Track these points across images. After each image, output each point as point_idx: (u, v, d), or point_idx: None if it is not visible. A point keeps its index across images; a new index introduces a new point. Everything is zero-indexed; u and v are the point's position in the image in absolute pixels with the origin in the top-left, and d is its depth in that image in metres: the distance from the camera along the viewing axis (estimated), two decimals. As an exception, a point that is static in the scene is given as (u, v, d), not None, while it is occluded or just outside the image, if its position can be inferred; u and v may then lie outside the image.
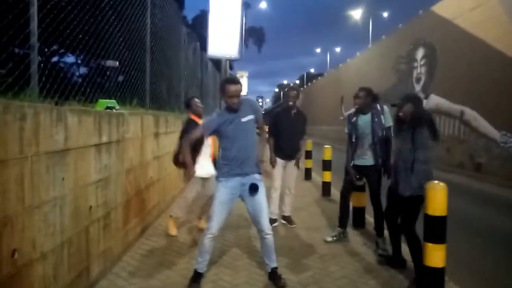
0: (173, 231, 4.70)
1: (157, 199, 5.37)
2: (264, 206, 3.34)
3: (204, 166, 4.50)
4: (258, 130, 3.50)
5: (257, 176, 3.34)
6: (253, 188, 3.26)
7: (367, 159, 4.35)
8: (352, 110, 4.56)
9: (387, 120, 4.31)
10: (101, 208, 3.36)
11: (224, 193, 3.27)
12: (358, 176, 4.47)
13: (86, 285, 3.09)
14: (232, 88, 3.19)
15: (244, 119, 3.27)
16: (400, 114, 3.61)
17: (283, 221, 5.30)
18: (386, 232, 4.28)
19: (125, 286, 3.30)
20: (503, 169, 10.54)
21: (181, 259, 3.94)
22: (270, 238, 3.34)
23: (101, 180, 3.35)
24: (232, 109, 3.26)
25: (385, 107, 4.41)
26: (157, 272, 3.60)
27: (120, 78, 4.94)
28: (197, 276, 3.33)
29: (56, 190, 2.58)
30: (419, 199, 3.37)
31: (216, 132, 3.33)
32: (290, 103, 5.11)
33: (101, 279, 3.36)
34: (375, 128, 4.28)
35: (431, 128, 3.53)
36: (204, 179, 4.65)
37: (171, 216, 4.74)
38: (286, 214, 5.32)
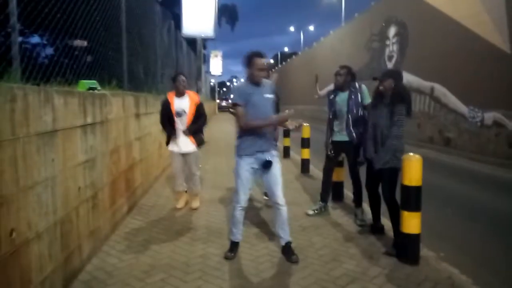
0: (178, 203, 5.09)
1: (141, 179, 5.41)
2: (279, 179, 3.47)
3: (178, 143, 4.82)
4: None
5: (273, 152, 3.49)
6: (266, 165, 3.41)
7: (344, 135, 4.52)
8: (330, 86, 4.70)
9: (366, 98, 4.47)
10: (89, 189, 3.39)
11: (243, 168, 3.44)
12: (332, 152, 4.66)
13: (79, 263, 3.15)
14: (260, 61, 3.31)
15: (266, 95, 3.42)
16: (381, 88, 3.77)
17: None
18: (364, 204, 4.52)
19: (116, 263, 3.38)
20: (471, 143, 11.06)
21: (168, 236, 4.05)
22: (284, 209, 3.49)
23: (88, 161, 3.38)
24: (256, 83, 3.39)
25: (363, 85, 4.56)
26: (146, 249, 3.69)
27: (89, 58, 4.86)
28: (233, 246, 3.58)
29: (47, 171, 2.61)
30: (394, 171, 3.60)
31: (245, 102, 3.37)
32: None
33: (92, 257, 3.43)
34: (351, 105, 4.44)
35: (408, 105, 3.71)
36: (185, 155, 4.87)
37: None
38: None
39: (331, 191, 4.92)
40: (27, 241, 2.35)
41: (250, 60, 3.36)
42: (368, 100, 4.43)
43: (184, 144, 4.82)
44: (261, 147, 3.41)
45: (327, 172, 4.80)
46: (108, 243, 3.81)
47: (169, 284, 3.02)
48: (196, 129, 4.85)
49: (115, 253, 3.58)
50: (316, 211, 4.74)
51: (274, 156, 3.48)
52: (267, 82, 3.53)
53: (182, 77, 4.83)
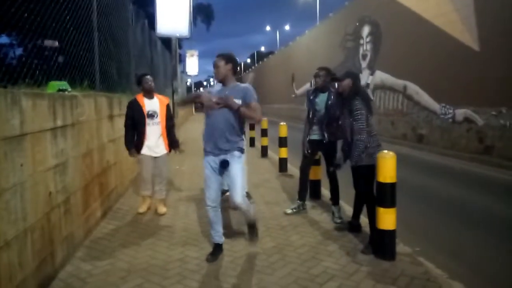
0: (140, 208, 4.90)
1: (115, 183, 5.29)
2: (236, 180, 3.39)
3: (151, 147, 4.69)
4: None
5: (235, 152, 3.43)
6: (223, 165, 3.44)
7: (320, 133, 4.56)
8: (307, 86, 4.74)
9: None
10: (60, 194, 3.29)
11: (206, 167, 3.49)
12: (309, 151, 4.70)
13: (52, 271, 3.05)
14: (215, 61, 3.47)
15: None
16: (339, 89, 3.95)
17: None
18: (341, 201, 4.57)
19: (91, 270, 3.29)
20: (443, 139, 11.36)
21: (144, 240, 3.97)
22: (242, 208, 3.45)
23: (59, 165, 3.27)
24: (219, 82, 3.52)
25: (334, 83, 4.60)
26: (121, 254, 3.61)
27: (61, 58, 4.71)
28: (215, 249, 3.57)
29: (16, 176, 2.51)
30: (368, 168, 3.66)
31: None
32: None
33: (65, 264, 3.33)
34: (329, 107, 4.48)
35: (366, 102, 3.82)
36: (155, 158, 4.75)
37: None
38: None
39: (308, 189, 4.95)
40: (-6, 250, 2.25)
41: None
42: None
43: (156, 146, 4.71)
44: (222, 147, 3.40)
45: (304, 170, 4.82)
46: (82, 249, 3.71)
47: (146, 289, 2.96)
48: (173, 135, 4.87)
49: (89, 259, 3.49)
50: (294, 210, 4.76)
51: (234, 157, 3.42)
52: (239, 87, 3.50)
53: (149, 77, 4.71)
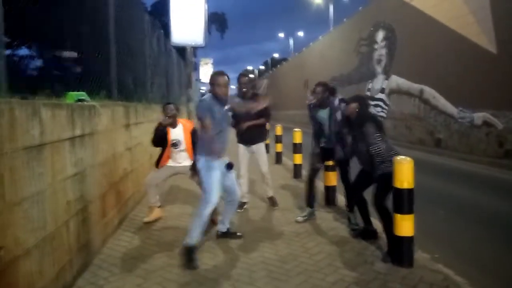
0: (148, 218, 4.81)
1: (132, 191, 5.35)
2: (234, 181, 3.99)
3: (177, 163, 4.83)
4: None
5: (226, 158, 3.85)
6: (229, 166, 3.81)
7: (329, 143, 4.57)
8: (310, 98, 4.71)
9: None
10: (78, 202, 3.34)
11: (217, 174, 3.72)
12: (318, 164, 4.78)
13: (70, 279, 3.10)
14: (221, 79, 3.69)
15: (228, 113, 3.84)
16: (346, 112, 3.98)
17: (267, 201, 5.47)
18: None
19: (108, 277, 3.32)
20: (461, 143, 11.16)
21: (161, 247, 4.00)
22: (236, 203, 4.06)
23: (77, 174, 3.33)
24: (221, 100, 3.71)
25: (343, 104, 4.53)
26: (138, 261, 3.64)
27: (78, 69, 4.82)
28: (192, 250, 3.59)
29: (36, 185, 2.56)
30: (388, 176, 3.61)
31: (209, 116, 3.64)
32: (244, 89, 5.06)
33: (84, 271, 3.37)
34: (331, 125, 4.50)
35: (376, 124, 3.82)
36: (182, 167, 4.79)
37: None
38: (269, 194, 5.47)
39: (315, 196, 4.90)
40: (15, 259, 2.30)
41: (212, 78, 3.77)
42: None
43: (184, 162, 4.79)
44: (222, 153, 3.80)
45: (310, 179, 4.80)
46: (100, 257, 3.75)
47: (163, 296, 2.98)
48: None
49: (107, 267, 3.53)
50: (305, 217, 4.72)
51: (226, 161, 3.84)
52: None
53: (171, 106, 4.72)
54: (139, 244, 4.09)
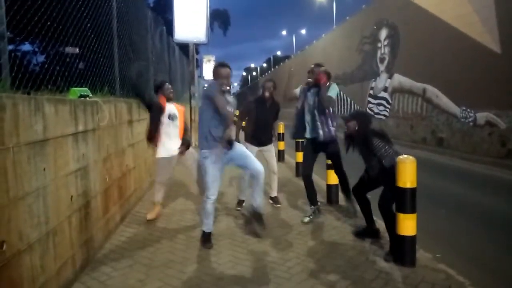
0: (150, 215, 4.79)
1: (134, 187, 5.36)
2: (248, 153, 3.99)
3: (168, 148, 4.73)
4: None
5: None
6: (229, 143, 3.81)
7: (320, 133, 4.54)
8: (301, 87, 4.73)
9: (331, 93, 4.46)
10: (81, 198, 3.35)
11: (215, 167, 3.81)
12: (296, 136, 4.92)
13: (72, 274, 3.10)
14: (223, 70, 3.77)
15: (229, 109, 3.71)
16: (346, 131, 3.95)
17: (270, 201, 5.46)
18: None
19: (110, 272, 3.33)
20: (463, 142, 11.13)
21: (162, 243, 4.00)
22: (261, 176, 3.91)
23: (80, 169, 3.34)
24: (223, 90, 3.72)
25: (333, 84, 4.54)
26: (140, 257, 3.65)
27: (82, 65, 4.82)
28: (207, 236, 3.95)
29: (39, 180, 2.56)
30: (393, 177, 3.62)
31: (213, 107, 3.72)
32: (267, 94, 5.16)
33: (86, 266, 3.38)
34: (316, 102, 4.50)
35: (380, 136, 3.79)
36: (168, 159, 4.77)
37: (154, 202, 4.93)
38: (273, 194, 5.48)
39: (316, 193, 4.85)
40: (18, 253, 2.31)
41: (215, 70, 3.84)
42: (332, 94, 4.45)
43: (175, 146, 4.75)
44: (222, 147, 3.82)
45: (306, 175, 4.75)
46: (102, 252, 3.76)
47: (165, 292, 2.98)
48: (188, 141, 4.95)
49: (109, 262, 3.53)
50: (311, 217, 4.69)
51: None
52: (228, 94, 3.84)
53: (169, 85, 4.92)
54: (141, 240, 4.09)
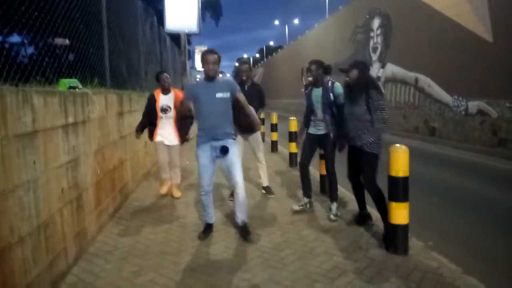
0: (162, 190, 5.49)
1: (127, 179, 5.33)
2: (236, 164, 3.78)
3: (165, 136, 5.17)
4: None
5: (229, 140, 3.79)
6: (223, 150, 3.73)
7: (320, 129, 4.50)
8: (309, 79, 4.65)
9: (338, 96, 4.34)
10: (73, 190, 3.32)
11: (202, 158, 3.79)
12: (300, 142, 4.79)
13: (65, 266, 3.09)
14: (209, 56, 3.66)
15: (218, 95, 3.69)
16: (347, 79, 3.92)
17: (263, 191, 5.46)
18: (346, 193, 4.54)
19: (103, 264, 3.32)
20: (456, 131, 11.20)
21: (156, 235, 3.99)
22: (241, 193, 3.80)
23: (71, 162, 3.30)
24: (209, 78, 3.71)
25: (336, 83, 4.44)
26: (134, 249, 3.64)
27: (71, 56, 4.75)
28: (206, 228, 3.99)
29: (29, 173, 2.53)
30: (375, 156, 3.73)
31: (194, 99, 3.77)
32: (243, 77, 5.09)
33: (79, 259, 3.37)
34: (324, 104, 4.40)
35: (376, 89, 3.82)
36: (169, 147, 5.22)
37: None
38: (265, 184, 5.48)
39: (311, 185, 4.82)
40: (9, 246, 2.28)
41: (202, 57, 3.73)
42: (341, 100, 4.30)
43: (169, 135, 5.16)
44: (216, 136, 3.73)
45: (303, 167, 4.68)
46: (95, 245, 3.75)
47: (158, 284, 2.98)
48: (185, 130, 5.22)
49: (102, 255, 3.52)
50: (301, 207, 4.67)
51: (230, 143, 3.78)
52: (223, 80, 3.86)
53: (166, 75, 5.16)
54: (134, 232, 4.08)
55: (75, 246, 3.33)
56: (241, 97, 3.87)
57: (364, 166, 3.84)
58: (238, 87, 3.88)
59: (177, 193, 5.40)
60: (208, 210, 3.98)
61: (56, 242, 2.94)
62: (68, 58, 4.62)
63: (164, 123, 5.15)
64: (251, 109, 3.95)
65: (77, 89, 3.67)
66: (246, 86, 5.09)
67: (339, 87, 4.40)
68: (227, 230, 4.07)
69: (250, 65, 5.36)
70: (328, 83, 4.40)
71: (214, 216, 4.11)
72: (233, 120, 4.59)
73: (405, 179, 3.34)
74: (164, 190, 5.46)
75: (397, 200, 3.35)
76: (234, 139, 3.87)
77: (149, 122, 5.18)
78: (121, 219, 4.50)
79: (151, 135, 5.22)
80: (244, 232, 3.87)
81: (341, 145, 4.29)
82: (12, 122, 2.35)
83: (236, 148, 3.86)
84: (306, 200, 4.73)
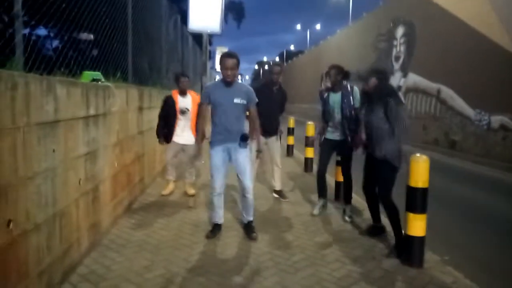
0: (164, 191, 5.38)
1: (143, 173, 5.36)
2: (246, 169, 3.82)
3: (181, 135, 5.16)
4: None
5: (242, 144, 3.79)
6: (243, 138, 3.73)
7: (338, 134, 4.48)
8: (327, 84, 4.63)
9: (356, 100, 4.38)
10: (90, 181, 3.35)
11: (215, 159, 3.79)
12: (322, 140, 4.69)
13: (78, 257, 3.11)
14: (228, 61, 3.58)
15: (236, 100, 3.69)
16: (365, 87, 3.84)
17: (275, 195, 5.41)
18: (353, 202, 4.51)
19: (115, 257, 3.34)
20: (477, 146, 10.94)
21: (169, 231, 4.00)
22: (249, 197, 3.87)
23: (89, 153, 3.33)
24: (227, 82, 3.66)
25: (355, 87, 4.46)
26: (146, 244, 3.65)
27: (95, 51, 4.82)
28: (214, 227, 3.96)
29: (48, 161, 2.56)
30: (393, 169, 3.60)
31: (211, 102, 3.76)
32: (274, 79, 5.05)
33: (92, 250, 3.39)
34: (344, 108, 4.38)
35: (396, 98, 3.72)
36: (184, 145, 5.20)
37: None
38: (277, 188, 5.43)
39: (327, 188, 4.81)
40: (25, 233, 2.31)
41: (220, 60, 3.67)
42: (358, 103, 4.35)
43: (187, 136, 5.16)
44: (230, 139, 3.74)
45: (320, 175, 4.70)
46: (109, 237, 3.77)
47: (169, 280, 2.97)
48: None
49: (115, 247, 3.54)
50: (320, 210, 4.68)
51: (241, 147, 3.78)
52: (243, 86, 3.86)
53: (185, 78, 5.17)
54: (147, 227, 4.10)
55: (89, 237, 3.35)
56: (254, 110, 3.88)
57: (380, 178, 3.74)
58: (256, 100, 3.86)
59: (191, 191, 5.39)
60: (218, 210, 3.96)
61: (70, 232, 2.97)
62: (92, 52, 4.69)
63: (184, 125, 5.15)
64: (257, 124, 3.97)
65: (99, 82, 3.72)
66: (274, 89, 5.07)
67: (357, 92, 4.42)
68: (240, 231, 4.05)
69: (282, 67, 5.25)
70: (347, 87, 4.39)
71: (224, 217, 4.10)
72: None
73: (424, 190, 3.26)
74: (167, 191, 5.38)
75: (414, 211, 3.27)
76: (246, 145, 3.83)
77: (166, 123, 5.15)
78: (135, 213, 4.53)
79: (167, 137, 5.18)
80: (249, 230, 3.93)
81: (356, 143, 4.22)
82: (35, 110, 2.38)
83: (246, 152, 3.84)
84: (322, 201, 4.72)
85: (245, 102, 3.74)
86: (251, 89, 3.92)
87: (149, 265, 3.20)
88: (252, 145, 4.92)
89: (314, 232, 4.10)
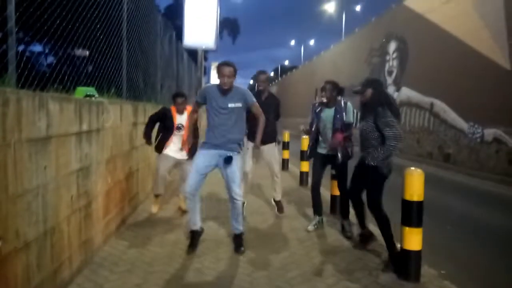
0: (153, 208, 5.19)
1: (136, 190, 5.32)
2: (236, 176, 3.79)
3: (176, 151, 5.03)
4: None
5: (234, 152, 3.77)
6: (227, 160, 3.70)
7: (329, 149, 4.48)
8: (322, 99, 4.63)
9: (348, 116, 4.40)
10: (82, 198, 3.31)
11: (200, 160, 3.78)
12: (310, 155, 4.71)
13: (69, 275, 3.05)
14: (225, 68, 3.65)
15: (230, 105, 3.71)
16: (362, 100, 3.84)
17: (273, 203, 5.37)
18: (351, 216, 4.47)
19: (108, 276, 3.27)
20: (470, 159, 11.00)
21: (162, 248, 3.94)
22: (238, 203, 3.85)
23: (82, 169, 3.30)
24: (223, 90, 3.70)
25: (348, 103, 4.48)
26: (139, 261, 3.59)
27: (90, 67, 4.83)
28: (192, 237, 3.93)
29: (39, 178, 2.53)
30: (381, 177, 3.61)
31: (205, 102, 3.83)
32: (260, 87, 5.09)
33: (83, 269, 3.32)
34: (336, 123, 4.38)
35: (391, 107, 3.69)
36: (180, 160, 5.07)
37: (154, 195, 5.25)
38: (277, 198, 5.37)
39: (322, 204, 4.78)
40: (14, 251, 2.26)
41: (217, 68, 3.75)
42: (350, 119, 4.39)
43: (181, 151, 5.03)
44: (221, 145, 3.74)
45: (314, 190, 4.68)
46: (101, 254, 3.71)
47: (162, 298, 2.92)
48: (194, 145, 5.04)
49: (107, 265, 3.48)
50: (315, 226, 4.63)
51: (234, 155, 3.76)
52: (238, 90, 3.82)
53: (181, 99, 5.06)
54: (140, 244, 4.03)
55: (81, 255, 3.30)
56: (256, 107, 3.89)
57: (368, 186, 3.75)
58: (253, 98, 3.88)
59: (184, 206, 5.27)
60: (192, 215, 3.88)
61: (61, 249, 2.91)
62: (86, 68, 4.70)
63: (177, 139, 5.05)
64: (261, 121, 3.98)
65: (93, 98, 3.71)
66: (263, 97, 5.06)
67: (350, 107, 4.45)
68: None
69: (268, 75, 5.28)
70: (341, 103, 4.41)
71: (218, 231, 4.07)
72: (248, 128, 4.49)
73: (420, 203, 3.25)
74: (155, 209, 5.19)
75: (410, 225, 3.26)
76: (239, 152, 3.84)
77: (164, 135, 5.06)
78: (128, 230, 4.47)
79: (159, 148, 5.05)
80: (237, 243, 3.90)
81: (334, 143, 4.30)
82: (27, 126, 2.36)
83: (239, 160, 3.86)
84: (318, 218, 4.68)
85: (240, 104, 3.76)
86: (246, 90, 3.97)
87: (142, 283, 3.14)
88: (249, 145, 4.98)
89: (310, 247, 4.07)
